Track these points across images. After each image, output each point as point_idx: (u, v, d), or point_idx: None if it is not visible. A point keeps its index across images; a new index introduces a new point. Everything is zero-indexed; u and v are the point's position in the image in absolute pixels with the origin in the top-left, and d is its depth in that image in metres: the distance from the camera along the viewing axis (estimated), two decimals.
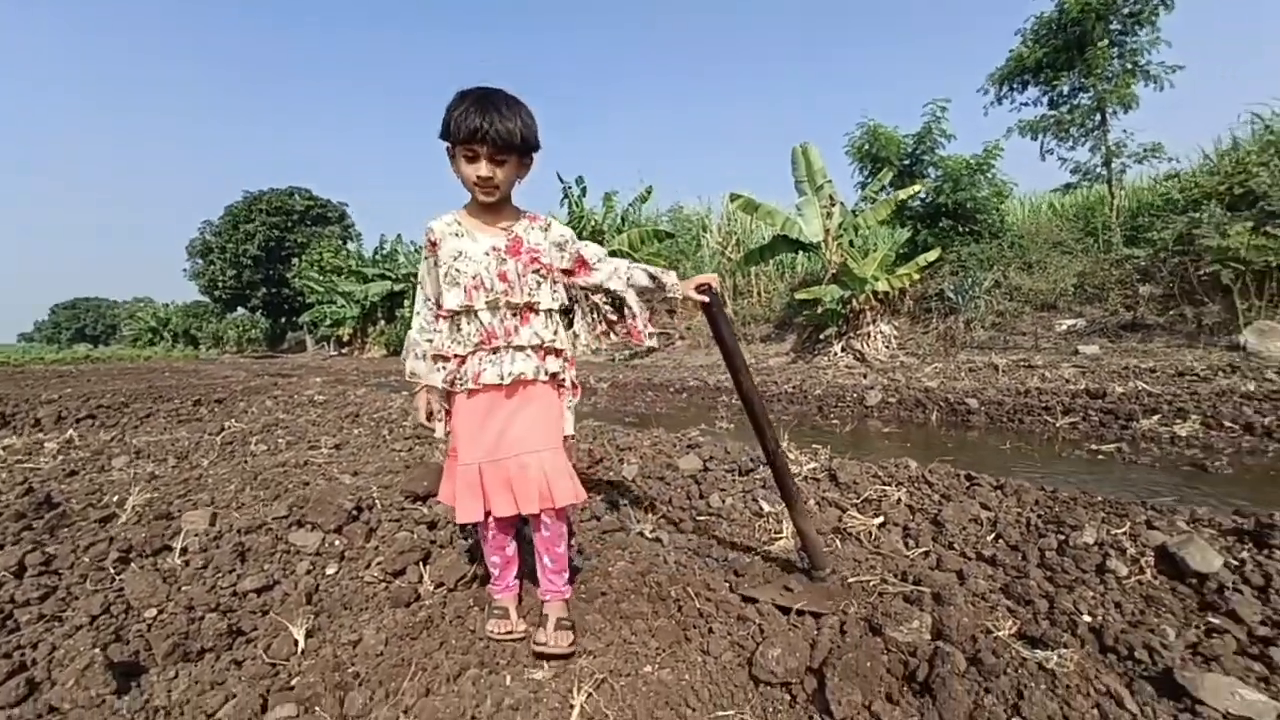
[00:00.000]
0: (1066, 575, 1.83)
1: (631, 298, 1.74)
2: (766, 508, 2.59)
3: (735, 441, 3.81)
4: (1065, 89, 10.22)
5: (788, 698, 1.41)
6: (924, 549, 2.15)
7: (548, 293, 1.64)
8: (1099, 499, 2.37)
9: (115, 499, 2.84)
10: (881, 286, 9.40)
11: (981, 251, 10.22)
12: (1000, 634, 1.52)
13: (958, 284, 9.70)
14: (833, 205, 10.16)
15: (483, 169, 1.49)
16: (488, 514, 1.60)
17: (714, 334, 1.75)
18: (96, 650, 1.48)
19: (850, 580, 1.92)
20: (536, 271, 1.62)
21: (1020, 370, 7.08)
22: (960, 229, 10.70)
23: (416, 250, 24.39)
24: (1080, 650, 1.44)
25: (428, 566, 2.07)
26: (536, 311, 1.62)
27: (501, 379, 1.56)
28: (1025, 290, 9.51)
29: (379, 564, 2.10)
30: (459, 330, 1.60)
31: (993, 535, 2.19)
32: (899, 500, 2.53)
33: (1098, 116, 9.88)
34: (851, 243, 10.67)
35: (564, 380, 1.70)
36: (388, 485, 2.92)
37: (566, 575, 1.71)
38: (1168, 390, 5.03)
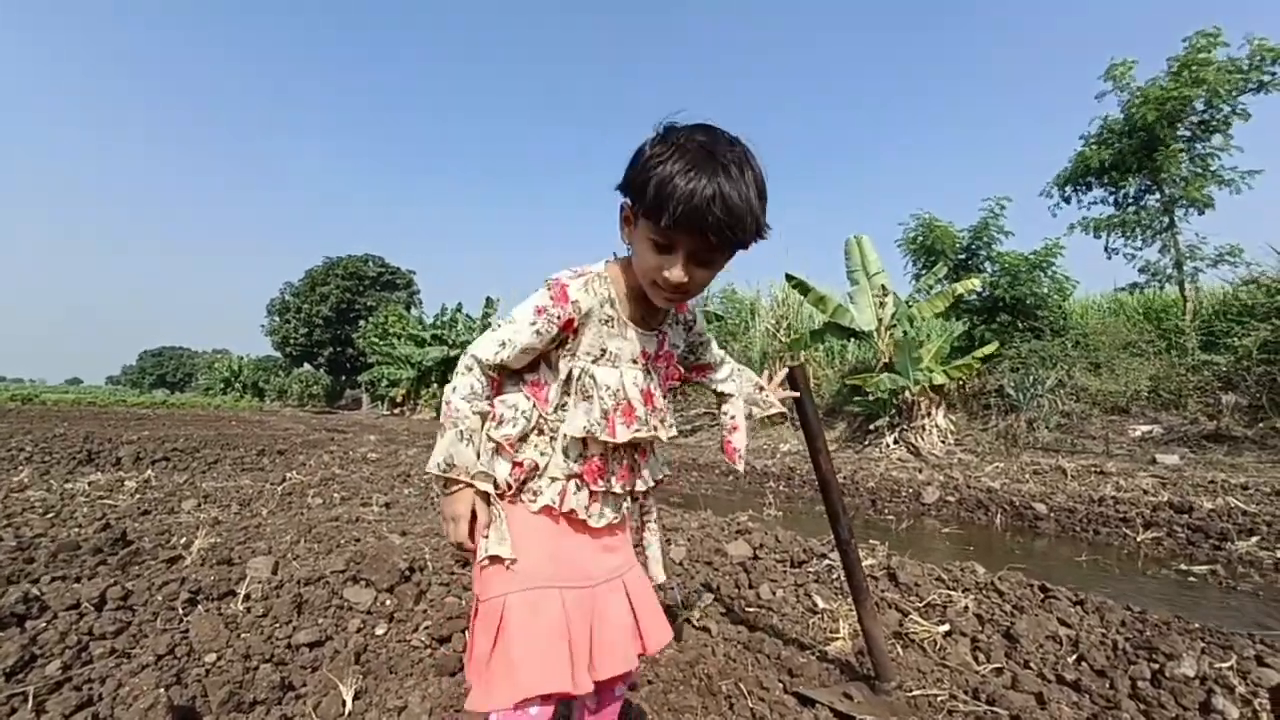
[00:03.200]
0: (1165, 711, 1.66)
1: (741, 408, 1.43)
2: (821, 604, 2.47)
3: (785, 530, 3.69)
4: (1131, 191, 10.16)
5: None
6: (996, 665, 1.99)
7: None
8: (1196, 625, 2.16)
9: (183, 541, 2.96)
10: (938, 379, 9.17)
11: (1043, 349, 9.91)
12: None
13: (1018, 381, 9.36)
14: (885, 295, 10.15)
15: (678, 271, 0.99)
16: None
17: (800, 418, 1.77)
18: (160, 690, 1.51)
19: (915, 694, 1.79)
20: (671, 387, 1.25)
21: (1092, 476, 6.65)
22: (1019, 324, 10.47)
23: (473, 320, 25.40)
24: None
25: None
26: (659, 443, 1.22)
27: (589, 520, 1.13)
28: (1093, 392, 9.08)
29: (426, 628, 2.09)
30: (554, 445, 1.11)
31: (1074, 657, 2.01)
32: (966, 608, 2.37)
33: (1165, 219, 9.72)
34: (905, 333, 10.56)
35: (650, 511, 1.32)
36: (436, 548, 2.94)
37: None
38: (1265, 510, 4.61)
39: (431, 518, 4.02)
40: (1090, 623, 2.24)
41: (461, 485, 1.07)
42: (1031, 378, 9.25)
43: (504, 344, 1.08)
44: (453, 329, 26.67)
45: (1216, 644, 2.02)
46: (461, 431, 1.06)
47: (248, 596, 2.14)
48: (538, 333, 1.08)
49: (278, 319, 41.62)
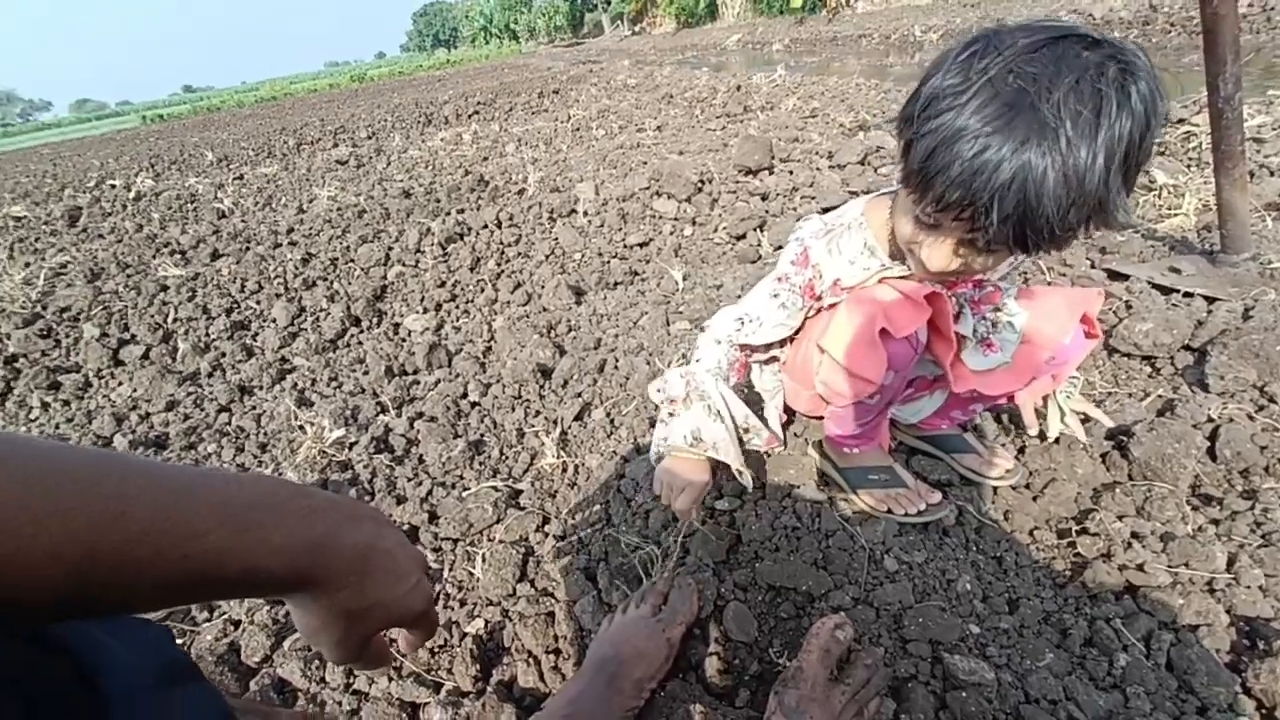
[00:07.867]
0: None
1: None
2: (1162, 179, 2.11)
3: None
4: None
5: (1148, 369, 1.39)
6: None
7: None
8: None
9: (521, 177, 3.71)
10: None
11: None
12: None
13: None
14: None
15: (938, 258, 0.73)
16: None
17: None
18: (558, 277, 2.18)
19: (1274, 266, 1.57)
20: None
21: None
22: None
23: None
24: None
25: (765, 233, 2.34)
26: None
27: None
28: None
29: (724, 228, 2.45)
30: None
31: None
32: None
33: None
34: None
35: None
36: (718, 162, 3.16)
37: None
38: None
39: (701, 134, 4.18)
40: None
41: (699, 453, 0.91)
42: None
43: (743, 319, 0.96)
44: None
45: None
46: (709, 406, 0.91)
47: (585, 213, 2.72)
48: (782, 306, 0.93)
49: None
